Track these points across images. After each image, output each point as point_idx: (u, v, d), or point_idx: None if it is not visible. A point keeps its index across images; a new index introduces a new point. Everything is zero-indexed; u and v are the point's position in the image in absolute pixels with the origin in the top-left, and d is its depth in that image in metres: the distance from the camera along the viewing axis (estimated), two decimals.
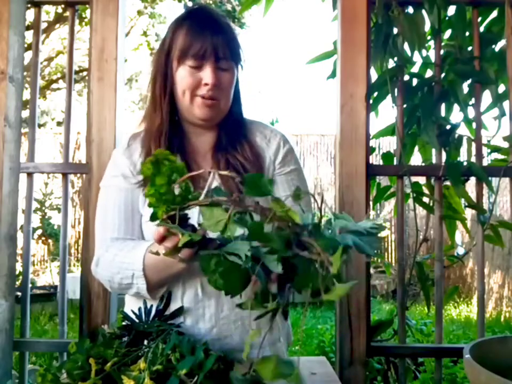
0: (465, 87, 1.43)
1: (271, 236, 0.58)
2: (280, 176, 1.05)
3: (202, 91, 0.98)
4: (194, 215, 0.87)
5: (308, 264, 0.57)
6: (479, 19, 1.47)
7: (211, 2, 6.64)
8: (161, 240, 0.73)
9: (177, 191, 0.66)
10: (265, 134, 1.10)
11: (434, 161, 1.44)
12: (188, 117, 1.03)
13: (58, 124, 8.09)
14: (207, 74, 0.96)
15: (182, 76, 0.98)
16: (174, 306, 0.97)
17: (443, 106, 1.43)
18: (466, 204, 1.40)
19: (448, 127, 1.38)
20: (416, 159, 1.68)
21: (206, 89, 0.97)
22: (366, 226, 0.61)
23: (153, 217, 0.67)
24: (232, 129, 1.04)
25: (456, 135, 1.40)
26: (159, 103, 1.02)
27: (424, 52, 1.48)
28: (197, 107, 0.99)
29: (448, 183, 1.40)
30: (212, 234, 0.64)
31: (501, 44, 1.50)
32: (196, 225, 0.68)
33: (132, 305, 1.01)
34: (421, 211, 1.52)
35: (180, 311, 0.96)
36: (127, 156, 1.05)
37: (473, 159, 1.40)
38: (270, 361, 0.54)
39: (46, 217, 6.48)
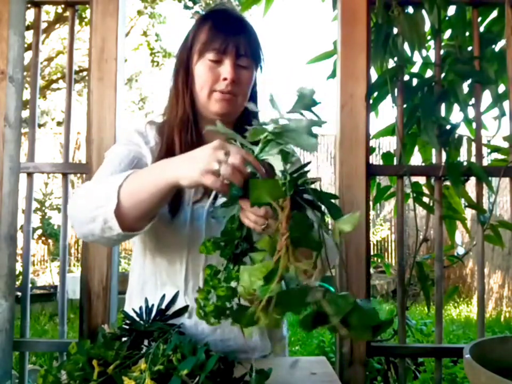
0: (465, 87, 1.43)
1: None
2: None
3: (221, 86, 0.98)
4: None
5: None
6: (479, 19, 1.47)
7: (211, 2, 6.63)
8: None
9: None
10: None
11: (434, 161, 1.44)
12: (204, 112, 1.03)
13: (58, 124, 8.08)
14: (226, 69, 0.97)
15: (201, 70, 0.99)
16: (176, 305, 0.97)
17: (443, 106, 1.43)
18: (466, 204, 1.40)
19: (448, 127, 1.38)
20: (416, 159, 1.67)
21: (225, 84, 0.98)
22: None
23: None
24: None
25: (456, 135, 1.40)
26: (181, 96, 1.02)
27: (424, 52, 1.48)
28: (214, 101, 1.00)
29: (448, 183, 1.40)
30: None
31: (501, 44, 1.50)
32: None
33: (133, 305, 1.01)
34: (421, 211, 1.52)
35: (184, 310, 0.96)
36: (142, 136, 1.03)
37: (473, 159, 1.40)
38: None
39: (46, 217, 6.48)
